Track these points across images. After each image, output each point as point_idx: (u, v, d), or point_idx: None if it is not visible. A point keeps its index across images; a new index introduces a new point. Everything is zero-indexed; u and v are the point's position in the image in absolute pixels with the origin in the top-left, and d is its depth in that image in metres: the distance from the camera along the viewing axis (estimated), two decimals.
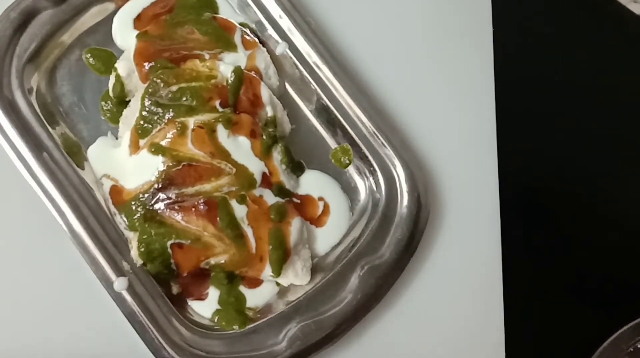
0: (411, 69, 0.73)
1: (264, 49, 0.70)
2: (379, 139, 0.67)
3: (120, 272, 0.61)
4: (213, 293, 0.64)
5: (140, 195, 0.63)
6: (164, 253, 0.61)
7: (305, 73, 0.68)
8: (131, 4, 0.70)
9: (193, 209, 0.61)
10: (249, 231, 0.62)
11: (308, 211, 0.67)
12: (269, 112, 0.67)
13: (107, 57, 0.70)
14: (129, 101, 0.68)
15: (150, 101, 0.64)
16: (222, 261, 0.62)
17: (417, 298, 0.67)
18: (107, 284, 0.60)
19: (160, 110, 0.64)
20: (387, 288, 0.64)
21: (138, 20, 0.70)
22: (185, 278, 0.63)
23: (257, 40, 0.70)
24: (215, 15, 0.70)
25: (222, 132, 0.64)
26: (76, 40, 0.70)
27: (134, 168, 0.64)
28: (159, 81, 0.65)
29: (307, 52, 0.68)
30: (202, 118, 0.64)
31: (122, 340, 0.61)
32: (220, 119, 0.64)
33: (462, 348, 0.67)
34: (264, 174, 0.65)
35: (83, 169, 0.66)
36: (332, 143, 0.70)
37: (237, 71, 0.66)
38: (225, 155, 0.64)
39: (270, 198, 0.64)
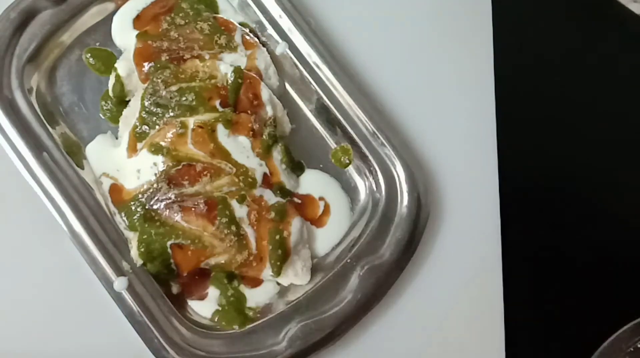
0: (411, 69, 0.73)
1: (264, 49, 0.70)
2: (379, 139, 0.67)
3: (120, 272, 0.61)
4: (213, 293, 0.64)
5: (140, 195, 0.63)
6: (163, 253, 0.61)
7: (305, 73, 0.68)
8: (131, 4, 0.70)
9: (193, 209, 0.61)
10: (249, 231, 0.62)
11: (308, 211, 0.67)
12: (269, 112, 0.67)
13: (107, 57, 0.70)
14: (129, 101, 0.68)
15: (150, 101, 0.64)
16: (222, 261, 0.62)
17: (417, 298, 0.67)
18: (107, 284, 0.60)
19: (160, 110, 0.64)
20: (387, 288, 0.64)
21: (138, 20, 0.70)
22: (185, 278, 0.63)
23: (257, 40, 0.70)
24: (216, 15, 0.70)
25: (222, 132, 0.64)
26: (76, 40, 0.70)
27: (134, 167, 0.64)
28: (159, 81, 0.65)
29: (307, 52, 0.68)
30: (202, 118, 0.64)
31: (122, 340, 0.61)
32: (220, 119, 0.64)
33: (462, 349, 0.67)
34: (264, 174, 0.65)
35: (83, 169, 0.66)
36: (332, 143, 0.70)
37: (237, 71, 0.66)
38: (225, 155, 0.64)
39: (270, 198, 0.64)
